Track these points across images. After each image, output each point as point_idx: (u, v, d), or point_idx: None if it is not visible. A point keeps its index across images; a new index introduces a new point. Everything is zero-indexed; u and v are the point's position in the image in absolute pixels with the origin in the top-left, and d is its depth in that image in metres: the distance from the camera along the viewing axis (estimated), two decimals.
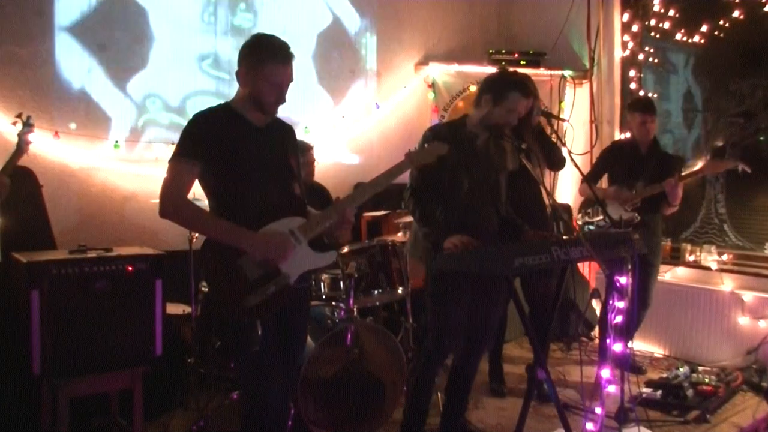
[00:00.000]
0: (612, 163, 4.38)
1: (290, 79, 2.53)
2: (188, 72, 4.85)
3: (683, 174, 4.10)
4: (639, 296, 4.14)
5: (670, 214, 4.29)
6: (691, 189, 4.72)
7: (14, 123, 3.41)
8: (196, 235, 3.73)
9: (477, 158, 3.14)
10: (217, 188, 2.54)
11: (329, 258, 2.62)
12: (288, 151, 2.63)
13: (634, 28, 5.39)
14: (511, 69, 4.12)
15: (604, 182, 4.55)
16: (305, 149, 4.04)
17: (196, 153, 2.46)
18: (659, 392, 3.90)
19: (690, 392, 3.84)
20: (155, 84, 4.72)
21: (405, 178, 3.18)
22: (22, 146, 3.35)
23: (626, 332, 3.46)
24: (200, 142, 2.46)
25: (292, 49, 2.52)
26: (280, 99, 2.52)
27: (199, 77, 4.88)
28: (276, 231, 2.48)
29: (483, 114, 3.12)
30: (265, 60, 2.45)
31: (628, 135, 4.76)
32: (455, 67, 5.68)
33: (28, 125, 3.38)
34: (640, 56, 5.41)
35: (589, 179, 4.23)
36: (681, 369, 4.16)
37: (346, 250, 3.70)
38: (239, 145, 2.49)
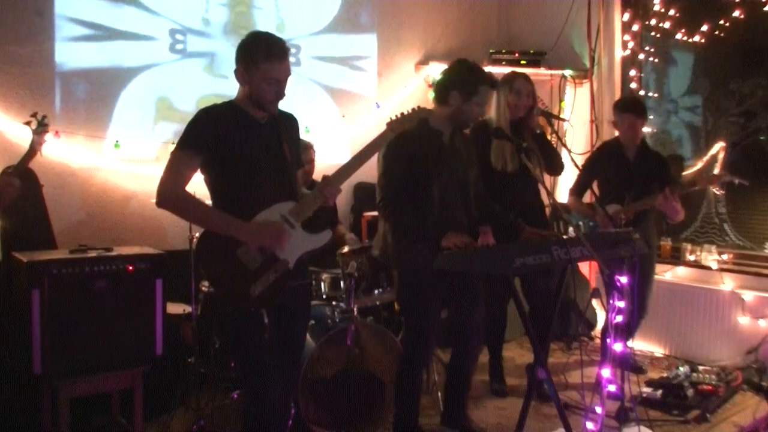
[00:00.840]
0: (599, 170, 4.16)
1: (287, 74, 2.53)
2: (191, 72, 4.85)
3: (675, 187, 3.91)
4: (636, 304, 4.12)
5: (677, 222, 4.13)
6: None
7: (28, 123, 3.30)
8: (197, 234, 3.72)
9: (444, 154, 3.11)
10: (218, 182, 2.56)
11: (324, 238, 2.63)
12: (285, 141, 2.62)
13: (635, 27, 5.39)
14: (511, 69, 4.13)
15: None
16: (305, 148, 4.04)
17: (198, 146, 2.48)
18: (659, 392, 3.89)
19: (690, 392, 3.84)
20: (157, 84, 4.72)
21: None
22: (35, 147, 3.25)
23: (626, 332, 3.46)
24: (203, 135, 2.49)
25: (288, 45, 2.54)
26: (279, 95, 2.53)
27: (202, 77, 4.88)
28: (269, 219, 2.50)
29: (451, 111, 3.10)
30: (260, 57, 2.47)
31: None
32: None
33: (42, 125, 3.28)
34: (641, 56, 5.41)
35: (578, 192, 4.16)
36: (681, 368, 4.16)
37: (346, 250, 3.71)
38: (241, 140, 2.51)
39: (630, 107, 4.08)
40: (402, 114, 2.78)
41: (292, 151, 2.67)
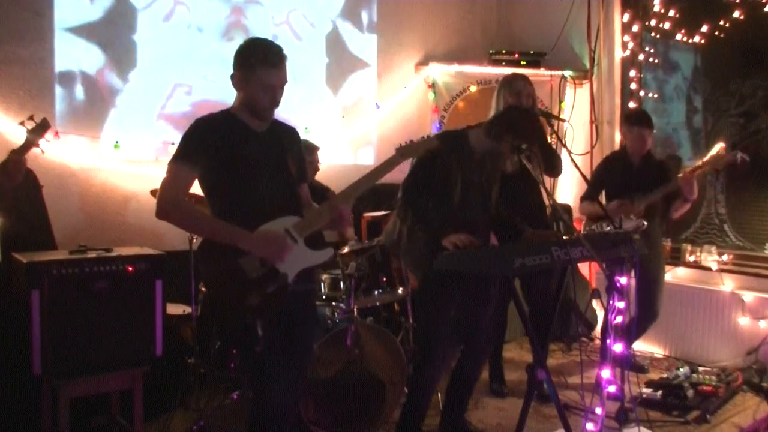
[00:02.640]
0: (606, 179, 4.28)
1: (283, 81, 2.54)
2: (190, 72, 4.85)
3: (694, 169, 4.03)
4: (644, 308, 4.14)
5: (681, 216, 4.19)
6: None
7: (22, 123, 3.22)
8: (196, 236, 3.73)
9: (471, 165, 3.15)
10: (216, 191, 2.56)
11: (325, 255, 2.63)
12: (287, 153, 2.63)
13: (635, 28, 5.39)
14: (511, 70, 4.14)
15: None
16: (311, 150, 4.03)
17: (195, 157, 2.48)
18: (659, 392, 3.89)
19: (690, 392, 3.84)
20: (156, 84, 4.72)
21: (400, 177, 3.19)
22: (30, 142, 3.14)
23: (627, 334, 3.46)
24: (199, 145, 2.48)
25: (284, 52, 2.52)
26: (274, 102, 2.53)
27: (201, 77, 4.88)
28: (272, 230, 2.49)
29: (495, 147, 3.12)
30: (256, 64, 2.47)
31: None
32: (455, 68, 5.68)
33: (42, 126, 3.18)
34: (641, 56, 5.41)
35: (590, 197, 4.19)
36: (681, 369, 4.16)
37: (346, 250, 3.71)
38: (238, 149, 2.50)
39: (639, 120, 4.21)
40: (412, 141, 2.81)
41: (296, 163, 2.66)
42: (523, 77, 3.88)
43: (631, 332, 3.58)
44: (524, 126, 3.09)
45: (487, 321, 3.34)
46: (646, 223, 3.98)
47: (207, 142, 2.48)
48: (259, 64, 2.46)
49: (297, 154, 2.72)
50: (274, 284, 2.47)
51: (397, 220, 3.27)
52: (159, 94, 4.75)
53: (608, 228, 4.04)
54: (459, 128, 3.34)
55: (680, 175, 4.01)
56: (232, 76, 2.54)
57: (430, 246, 3.02)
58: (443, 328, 3.16)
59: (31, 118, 3.24)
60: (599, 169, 4.42)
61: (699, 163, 4.07)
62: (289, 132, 2.72)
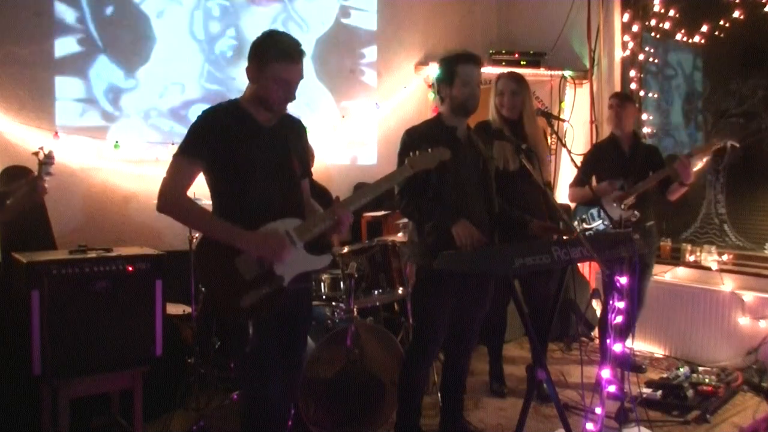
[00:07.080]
0: (597, 165, 4.29)
1: (299, 77, 2.48)
2: (190, 72, 4.85)
3: (688, 156, 4.10)
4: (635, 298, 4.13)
5: (677, 199, 4.18)
6: (692, 189, 4.72)
7: (36, 154, 3.30)
8: (197, 235, 3.73)
9: (460, 150, 3.11)
10: (220, 187, 2.53)
11: (324, 261, 2.61)
12: (292, 150, 2.60)
13: (635, 28, 5.39)
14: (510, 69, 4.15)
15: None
16: None
17: (199, 151, 2.45)
18: (659, 392, 3.90)
19: (690, 392, 3.84)
20: (156, 84, 4.72)
21: None
22: (42, 171, 3.26)
23: (626, 332, 3.46)
24: (204, 140, 2.44)
25: (302, 48, 2.48)
26: (288, 98, 2.48)
27: (201, 77, 4.89)
28: (273, 231, 2.47)
29: (449, 103, 3.17)
30: (272, 58, 2.41)
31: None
32: None
33: (48, 160, 3.25)
34: (640, 56, 5.41)
35: (579, 183, 4.21)
36: (681, 369, 4.16)
37: (345, 250, 3.70)
38: (243, 145, 2.47)
39: (630, 97, 4.51)
40: (423, 152, 2.74)
41: (300, 159, 2.64)
42: (507, 75, 3.94)
43: (630, 328, 3.57)
44: (446, 67, 3.23)
45: (480, 321, 3.32)
46: (638, 213, 3.99)
47: (211, 136, 2.44)
48: (275, 58, 2.41)
49: (302, 149, 2.68)
50: (268, 286, 2.45)
51: (409, 224, 3.27)
52: (160, 94, 4.75)
53: (600, 221, 4.06)
54: (429, 119, 3.39)
55: (679, 158, 4.04)
56: (247, 68, 2.49)
57: (435, 240, 3.01)
58: (440, 327, 3.16)
59: (41, 150, 3.31)
60: (589, 156, 4.44)
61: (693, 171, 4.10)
62: (296, 126, 2.68)
